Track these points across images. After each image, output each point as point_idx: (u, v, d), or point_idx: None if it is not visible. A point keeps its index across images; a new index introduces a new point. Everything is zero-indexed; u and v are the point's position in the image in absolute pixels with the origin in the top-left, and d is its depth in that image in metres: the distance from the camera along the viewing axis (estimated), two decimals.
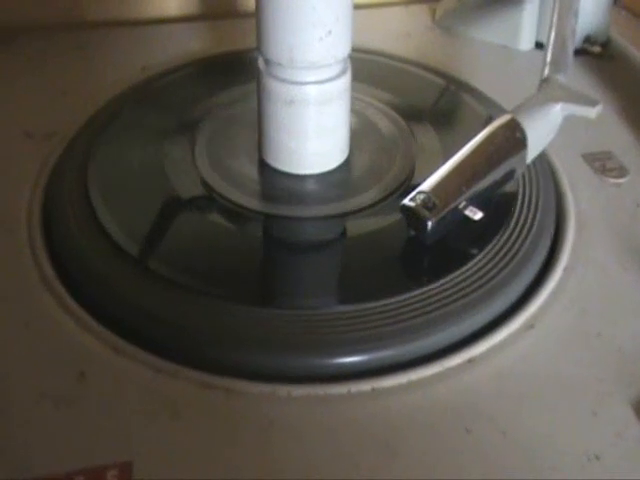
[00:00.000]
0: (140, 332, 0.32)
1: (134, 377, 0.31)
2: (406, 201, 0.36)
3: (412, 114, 0.47)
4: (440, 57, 0.55)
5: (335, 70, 0.39)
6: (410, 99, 0.49)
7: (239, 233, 0.39)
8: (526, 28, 0.57)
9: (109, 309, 0.34)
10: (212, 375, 0.30)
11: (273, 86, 0.39)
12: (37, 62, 0.53)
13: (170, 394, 0.30)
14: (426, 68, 0.53)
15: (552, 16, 0.44)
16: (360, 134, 0.44)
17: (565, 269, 0.37)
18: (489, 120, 0.43)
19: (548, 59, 0.42)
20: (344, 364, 0.31)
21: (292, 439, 0.29)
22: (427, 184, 0.36)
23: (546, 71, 0.41)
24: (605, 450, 0.29)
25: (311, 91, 0.39)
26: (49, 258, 0.36)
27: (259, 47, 0.39)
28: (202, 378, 0.30)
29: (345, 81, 0.40)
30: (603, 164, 0.44)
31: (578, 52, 0.55)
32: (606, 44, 0.56)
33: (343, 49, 0.39)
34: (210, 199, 0.40)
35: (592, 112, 0.39)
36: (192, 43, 0.56)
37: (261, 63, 0.40)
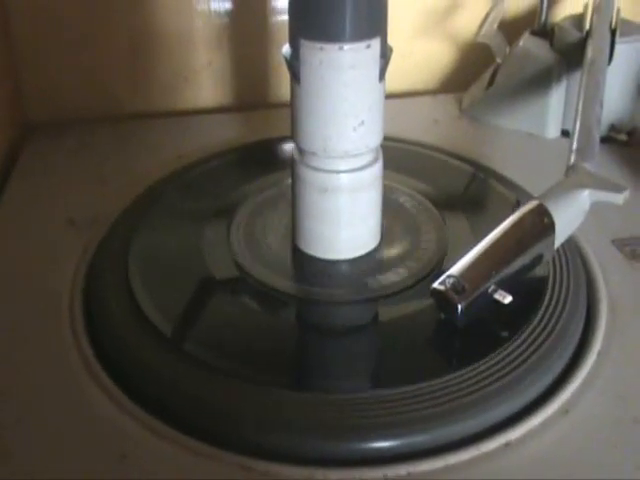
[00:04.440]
0: (179, 415, 0.33)
1: (174, 460, 0.31)
2: (436, 285, 0.36)
3: (442, 200, 0.48)
4: (468, 145, 0.57)
5: (367, 159, 0.41)
6: (440, 186, 0.50)
7: (274, 316, 0.40)
8: (552, 117, 0.58)
9: (148, 392, 0.34)
10: (250, 459, 0.31)
11: (307, 175, 0.41)
12: (80, 152, 0.56)
13: (209, 477, 0.30)
14: (455, 156, 0.54)
15: (577, 105, 0.46)
16: (391, 220, 0.45)
17: (599, 354, 0.37)
18: (516, 205, 0.44)
19: (574, 147, 0.43)
20: (379, 448, 0.31)
21: None
22: (456, 268, 0.37)
23: (572, 158, 0.42)
24: None
25: (344, 179, 0.40)
26: (90, 342, 0.37)
27: (294, 137, 0.41)
28: (240, 461, 0.31)
29: (377, 169, 0.41)
30: (633, 250, 0.44)
31: (604, 140, 0.56)
32: (632, 132, 0.57)
33: (375, 138, 0.40)
34: (245, 282, 0.41)
35: (619, 198, 0.39)
36: (224, 132, 0.59)
37: (295, 152, 0.41)
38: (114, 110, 0.62)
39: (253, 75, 0.65)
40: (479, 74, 0.63)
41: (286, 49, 0.39)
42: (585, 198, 0.40)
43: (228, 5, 0.62)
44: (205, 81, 0.64)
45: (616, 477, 0.31)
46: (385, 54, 0.39)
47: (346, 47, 0.37)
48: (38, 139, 0.57)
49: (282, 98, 0.64)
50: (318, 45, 0.37)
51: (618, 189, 0.39)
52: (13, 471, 0.31)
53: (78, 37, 0.60)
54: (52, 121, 0.61)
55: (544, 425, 0.33)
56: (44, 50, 0.60)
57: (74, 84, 0.61)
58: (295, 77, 0.39)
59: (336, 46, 0.37)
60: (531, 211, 0.39)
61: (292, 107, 0.40)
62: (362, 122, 0.39)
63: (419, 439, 0.32)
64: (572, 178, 0.41)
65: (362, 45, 0.37)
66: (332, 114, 0.38)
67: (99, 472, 0.31)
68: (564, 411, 0.34)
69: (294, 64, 0.38)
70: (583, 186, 0.40)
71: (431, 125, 0.61)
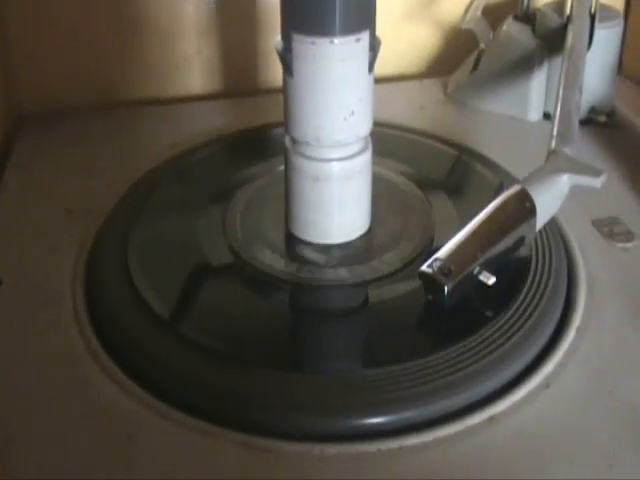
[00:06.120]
0: (181, 397, 0.35)
1: (177, 439, 0.33)
2: (423, 268, 0.38)
3: (428, 184, 0.50)
4: (453, 128, 0.58)
5: (357, 147, 0.42)
6: (426, 170, 0.51)
7: (270, 300, 0.42)
8: (534, 100, 0.60)
9: (152, 376, 0.36)
10: (251, 436, 0.33)
11: (300, 163, 0.42)
12: (75, 141, 0.57)
13: (213, 455, 0.32)
14: (440, 139, 0.56)
15: (558, 91, 0.47)
16: (380, 205, 0.46)
17: (578, 330, 0.39)
18: (500, 187, 0.46)
19: (554, 132, 0.45)
20: (372, 424, 0.33)
21: None
22: (443, 251, 0.38)
23: (553, 143, 0.44)
24: None
25: (335, 167, 0.42)
26: (93, 329, 0.39)
27: (286, 127, 0.42)
28: (242, 439, 0.32)
29: (366, 157, 0.43)
30: (611, 229, 0.46)
31: (584, 122, 0.57)
32: (611, 114, 0.59)
33: (365, 128, 0.42)
34: (241, 268, 0.43)
35: (597, 182, 0.41)
36: (216, 120, 0.60)
37: (288, 142, 0.43)
38: (105, 99, 0.63)
39: (243, 62, 0.65)
40: (464, 59, 0.64)
41: (278, 42, 0.40)
42: (564, 182, 0.41)
43: None
44: (195, 68, 0.65)
45: (593, 447, 0.33)
46: (374, 47, 0.40)
47: (337, 41, 0.38)
48: (31, 130, 0.58)
49: (271, 84, 0.66)
50: (310, 39, 0.38)
51: (596, 173, 0.41)
52: (21, 456, 0.32)
53: (69, 27, 0.61)
54: (44, 112, 0.61)
55: (526, 399, 0.35)
56: (35, 41, 0.60)
57: (65, 74, 0.62)
58: (288, 70, 0.40)
59: (327, 40, 0.38)
60: (513, 195, 0.40)
61: (285, 98, 0.41)
62: (352, 112, 0.40)
63: (409, 415, 0.33)
64: (552, 163, 0.43)
65: (352, 39, 0.38)
66: (324, 105, 0.40)
67: (107, 452, 0.32)
68: (545, 385, 0.36)
69: (287, 57, 0.39)
70: (563, 171, 0.41)
71: (417, 109, 0.62)
